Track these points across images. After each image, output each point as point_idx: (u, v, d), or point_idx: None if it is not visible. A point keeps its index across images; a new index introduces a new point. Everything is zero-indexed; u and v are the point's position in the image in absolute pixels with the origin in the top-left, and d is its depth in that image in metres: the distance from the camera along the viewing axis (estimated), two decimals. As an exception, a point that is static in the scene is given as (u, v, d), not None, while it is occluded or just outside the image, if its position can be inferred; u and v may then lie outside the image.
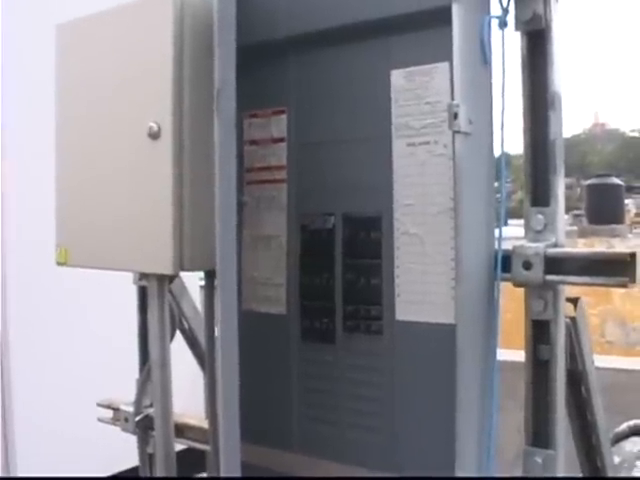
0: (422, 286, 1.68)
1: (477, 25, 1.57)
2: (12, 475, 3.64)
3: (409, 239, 1.70)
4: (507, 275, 1.57)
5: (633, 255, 1.47)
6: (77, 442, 3.51)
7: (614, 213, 15.27)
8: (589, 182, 17.28)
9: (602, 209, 15.15)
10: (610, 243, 11.32)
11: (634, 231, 18.18)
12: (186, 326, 2.34)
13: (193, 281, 2.44)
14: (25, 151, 3.52)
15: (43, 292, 3.63)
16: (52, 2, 3.25)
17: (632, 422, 2.90)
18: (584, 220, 15.81)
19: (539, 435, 1.61)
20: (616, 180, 17.29)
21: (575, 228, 14.57)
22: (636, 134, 62.12)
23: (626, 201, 19.38)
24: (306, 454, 1.89)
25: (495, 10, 1.62)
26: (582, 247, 10.12)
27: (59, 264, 2.02)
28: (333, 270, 1.83)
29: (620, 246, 10.97)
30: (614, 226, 14.47)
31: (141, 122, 1.75)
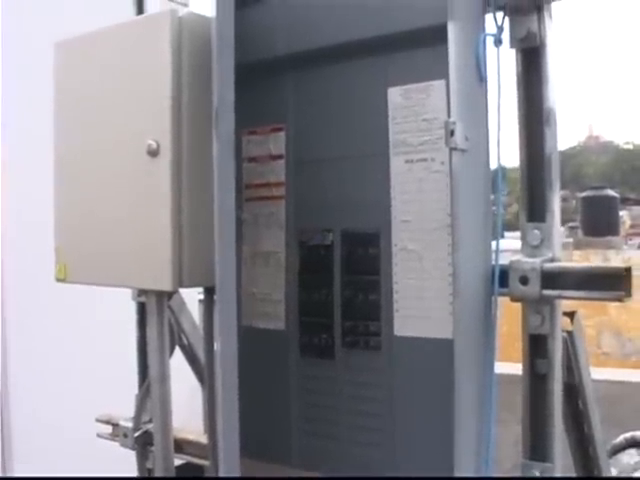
0: (420, 302, 1.70)
1: (473, 43, 1.59)
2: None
3: (407, 255, 1.71)
4: (504, 290, 1.58)
5: (629, 269, 1.49)
6: (75, 458, 3.49)
7: (609, 225, 15.27)
8: (584, 194, 17.29)
9: (597, 221, 15.15)
10: (605, 255, 11.33)
11: (629, 243, 18.20)
12: (185, 342, 2.35)
13: (192, 295, 2.45)
14: (24, 162, 3.52)
15: (42, 307, 3.63)
16: (52, 18, 3.26)
17: (629, 434, 2.90)
18: (579, 232, 15.81)
19: (537, 448, 1.61)
20: (611, 192, 17.30)
21: (571, 240, 14.58)
22: (630, 146, 62.25)
23: (621, 213, 19.40)
24: (305, 469, 1.89)
25: (490, 28, 1.64)
26: (578, 259, 10.15)
27: (58, 280, 2.02)
28: (332, 286, 1.85)
29: (615, 258, 10.99)
30: (609, 238, 14.49)
31: (140, 140, 1.75)
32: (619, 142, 65.83)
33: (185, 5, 3.32)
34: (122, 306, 2.45)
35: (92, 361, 3.79)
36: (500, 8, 1.62)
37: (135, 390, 2.49)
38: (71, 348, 3.80)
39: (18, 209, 3.58)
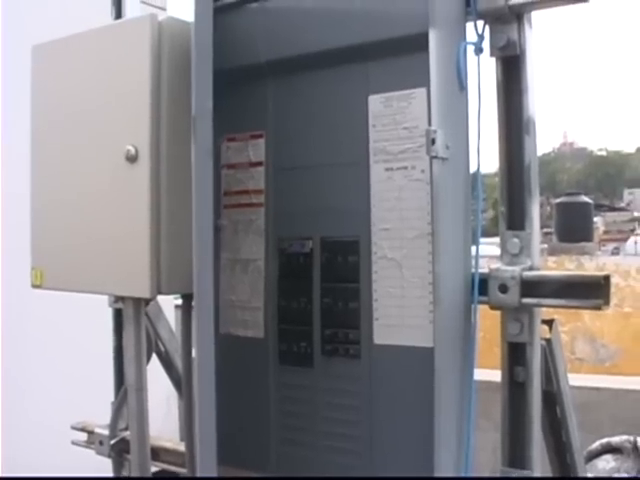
0: (400, 310, 1.69)
1: (454, 51, 1.59)
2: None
3: (387, 263, 1.71)
4: (484, 298, 1.58)
5: (607, 277, 1.50)
6: (52, 467, 3.46)
7: (583, 231, 15.41)
8: (559, 200, 17.43)
9: (571, 227, 15.28)
10: (580, 261, 11.42)
11: (603, 248, 18.38)
12: (162, 348, 2.33)
13: (168, 301, 2.44)
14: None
15: (19, 313, 3.59)
16: (28, 21, 3.23)
17: (604, 440, 2.92)
18: (554, 238, 15.93)
19: (516, 456, 1.62)
20: (585, 198, 17.47)
21: (545, 246, 14.68)
22: (604, 153, 62.87)
23: (595, 219, 19.58)
24: (283, 477, 1.88)
25: (471, 36, 1.64)
26: (552, 265, 10.23)
27: (34, 286, 2.00)
28: (311, 294, 1.83)
29: (589, 264, 11.08)
30: (583, 244, 14.61)
31: (118, 145, 1.75)
32: (593, 148, 66.51)
33: (162, 9, 3.32)
34: (98, 312, 2.44)
35: (67, 368, 3.76)
36: (481, 16, 1.62)
37: (111, 397, 2.48)
38: (46, 355, 3.77)
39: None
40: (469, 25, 1.64)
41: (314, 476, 1.84)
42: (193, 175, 1.62)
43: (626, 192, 52.60)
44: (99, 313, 2.46)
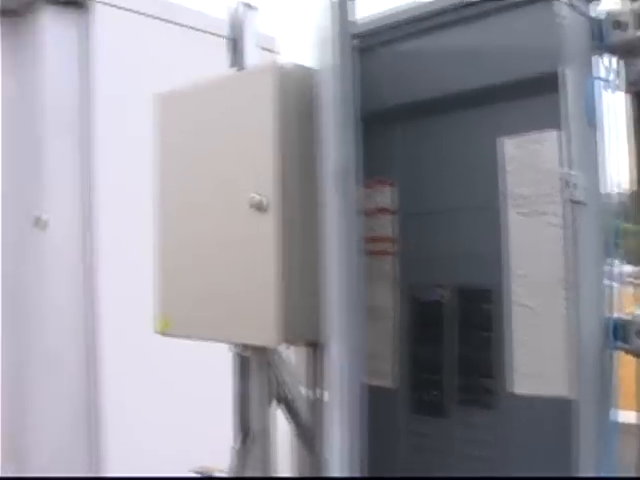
0: (536, 359, 1.63)
1: (585, 89, 1.54)
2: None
3: (522, 310, 1.65)
4: (622, 344, 1.53)
5: None
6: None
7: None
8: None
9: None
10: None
11: None
12: (285, 394, 2.31)
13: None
14: (117, 217, 3.51)
15: (136, 356, 3.62)
16: (145, 72, 3.29)
17: None
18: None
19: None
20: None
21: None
22: None
23: None
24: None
25: (602, 72, 1.60)
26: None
27: (158, 333, 2.01)
28: (444, 342, 1.79)
29: None
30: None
31: (245, 193, 1.75)
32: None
33: (277, 53, 3.35)
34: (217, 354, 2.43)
35: (184, 411, 3.77)
36: (611, 50, 1.58)
37: (229, 441, 2.47)
38: (164, 398, 3.78)
39: (112, 259, 3.58)
40: (600, 60, 1.60)
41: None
42: (336, 224, 1.62)
43: None
44: (215, 356, 2.46)
